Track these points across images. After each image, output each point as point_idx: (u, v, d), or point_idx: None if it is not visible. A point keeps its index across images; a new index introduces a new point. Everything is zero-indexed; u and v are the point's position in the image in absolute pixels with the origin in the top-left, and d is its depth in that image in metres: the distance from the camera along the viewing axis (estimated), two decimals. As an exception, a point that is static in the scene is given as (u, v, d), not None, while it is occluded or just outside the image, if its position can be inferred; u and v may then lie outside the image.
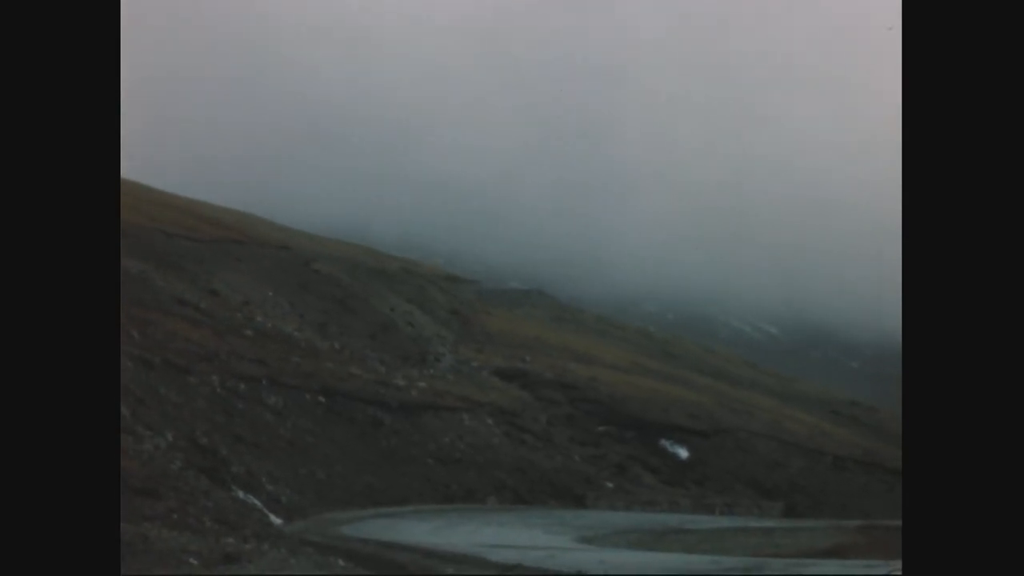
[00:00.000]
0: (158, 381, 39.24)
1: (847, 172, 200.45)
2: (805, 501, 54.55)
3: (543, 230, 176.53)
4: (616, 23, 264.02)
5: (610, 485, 50.16)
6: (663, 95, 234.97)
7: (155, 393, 38.23)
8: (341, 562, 24.12)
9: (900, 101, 11.94)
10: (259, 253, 62.01)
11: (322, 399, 45.59)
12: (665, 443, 55.96)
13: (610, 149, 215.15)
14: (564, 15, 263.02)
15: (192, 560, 21.86)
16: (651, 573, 21.98)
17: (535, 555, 24.36)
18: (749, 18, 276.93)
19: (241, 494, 34.74)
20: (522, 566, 22.03)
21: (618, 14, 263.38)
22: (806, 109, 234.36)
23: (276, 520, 33.76)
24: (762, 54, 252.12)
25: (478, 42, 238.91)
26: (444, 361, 57.63)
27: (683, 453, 55.80)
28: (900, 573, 11.77)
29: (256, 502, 34.96)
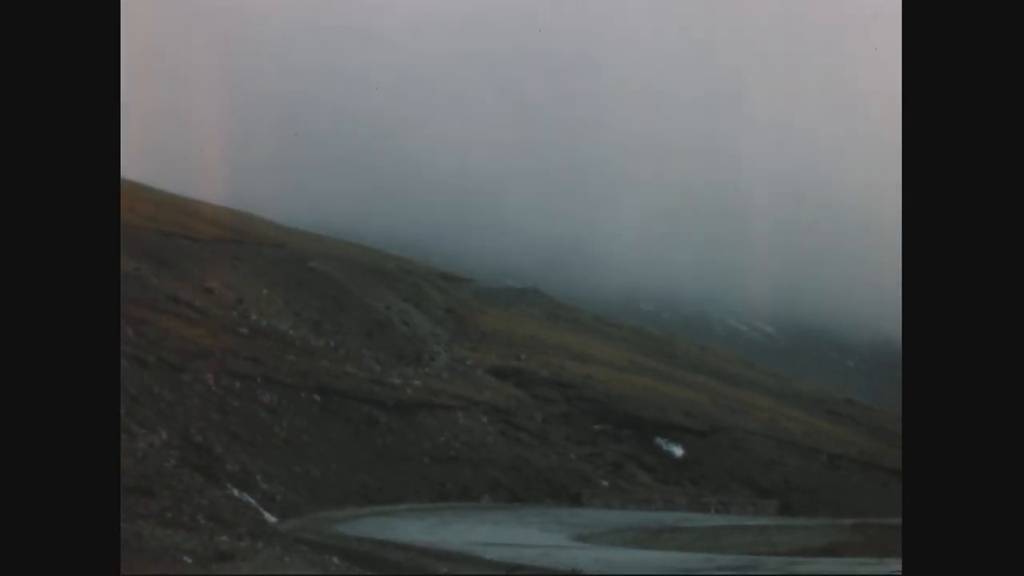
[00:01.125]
0: (152, 379, 39.18)
1: (844, 170, 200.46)
2: (800, 499, 54.58)
3: (539, 228, 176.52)
4: (613, 19, 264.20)
5: (606, 483, 50.15)
6: (659, 92, 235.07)
7: (149, 391, 38.17)
8: (336, 560, 24.07)
9: (900, 98, 11.89)
10: (255, 251, 61.93)
11: (317, 397, 45.52)
12: (661, 441, 55.95)
13: (606, 147, 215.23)
14: (560, 11, 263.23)
15: (186, 558, 21.80)
16: (646, 571, 21.95)
17: (530, 553, 24.32)
18: (742, 12, 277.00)
19: (236, 492, 34.70)
20: (517, 564, 21.98)
21: (615, 9, 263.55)
22: (802, 106, 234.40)
23: (271, 518, 33.72)
24: (759, 49, 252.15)
25: (474, 39, 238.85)
26: (439, 359, 57.59)
27: (679, 452, 55.80)
28: (900, 573, 11.72)
29: (251, 500, 34.92)
